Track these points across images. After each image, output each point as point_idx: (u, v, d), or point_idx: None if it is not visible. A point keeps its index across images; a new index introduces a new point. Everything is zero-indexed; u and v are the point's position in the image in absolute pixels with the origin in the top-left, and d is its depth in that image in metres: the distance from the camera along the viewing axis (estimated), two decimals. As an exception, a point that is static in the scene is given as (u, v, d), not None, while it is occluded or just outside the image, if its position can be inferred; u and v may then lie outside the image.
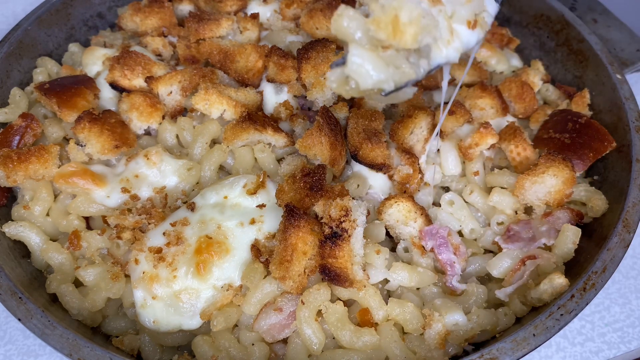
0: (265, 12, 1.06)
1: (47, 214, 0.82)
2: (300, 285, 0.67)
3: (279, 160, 0.86)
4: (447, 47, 0.58)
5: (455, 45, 0.59)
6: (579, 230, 0.76)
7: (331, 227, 0.67)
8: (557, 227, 0.78)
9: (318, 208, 0.71)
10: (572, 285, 0.70)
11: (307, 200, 0.72)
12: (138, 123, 0.88)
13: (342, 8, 0.53)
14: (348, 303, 0.72)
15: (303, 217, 0.68)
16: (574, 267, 0.75)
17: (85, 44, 1.08)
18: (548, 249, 0.77)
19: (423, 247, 0.75)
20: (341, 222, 0.66)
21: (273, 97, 0.93)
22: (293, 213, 0.67)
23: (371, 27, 0.52)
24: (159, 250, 0.72)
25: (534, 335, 0.65)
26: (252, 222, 0.74)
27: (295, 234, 0.67)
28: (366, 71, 0.52)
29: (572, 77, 1.01)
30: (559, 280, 0.70)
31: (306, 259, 0.67)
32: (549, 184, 0.77)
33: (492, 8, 0.63)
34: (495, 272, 0.75)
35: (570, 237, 0.75)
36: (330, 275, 0.67)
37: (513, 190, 0.80)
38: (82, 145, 0.84)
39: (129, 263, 0.74)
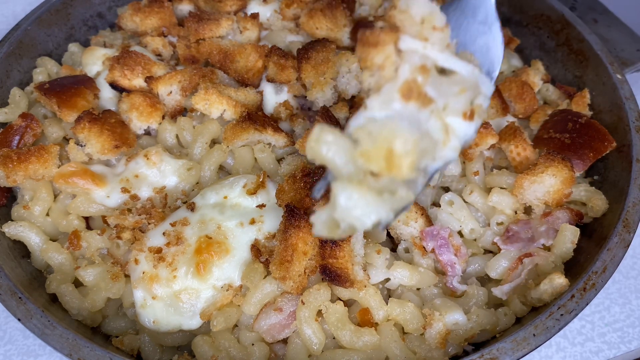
0: (265, 12, 1.06)
1: (47, 214, 0.82)
2: (300, 285, 0.67)
3: (279, 160, 0.86)
4: (444, 149, 0.51)
5: (453, 145, 0.51)
6: (577, 229, 0.76)
7: (331, 227, 0.66)
8: (556, 227, 0.78)
9: (318, 208, 0.71)
10: (572, 285, 0.70)
11: (308, 200, 0.72)
12: (138, 123, 0.88)
13: (318, 131, 0.45)
14: (348, 303, 0.72)
15: (303, 218, 0.68)
16: (574, 267, 0.75)
17: (85, 44, 1.07)
18: (547, 249, 0.77)
19: (424, 247, 0.75)
20: (341, 222, 0.66)
21: (273, 97, 0.93)
22: (293, 213, 0.67)
23: (359, 160, 0.45)
24: (159, 250, 0.72)
25: (534, 335, 0.65)
26: (252, 222, 0.74)
27: (295, 234, 0.67)
28: (359, 214, 0.45)
29: (572, 77, 1.01)
30: (559, 280, 0.70)
31: (306, 259, 0.67)
32: (548, 183, 0.77)
33: (488, 88, 0.55)
34: (494, 274, 0.75)
35: (568, 237, 0.75)
36: (331, 275, 0.67)
37: (512, 190, 0.80)
38: (82, 145, 0.84)
39: (129, 263, 0.74)
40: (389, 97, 0.48)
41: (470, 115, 0.52)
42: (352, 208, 0.45)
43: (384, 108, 0.49)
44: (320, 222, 0.48)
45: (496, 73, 0.63)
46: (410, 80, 0.49)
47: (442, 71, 0.52)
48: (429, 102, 0.49)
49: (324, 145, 0.46)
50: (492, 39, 0.63)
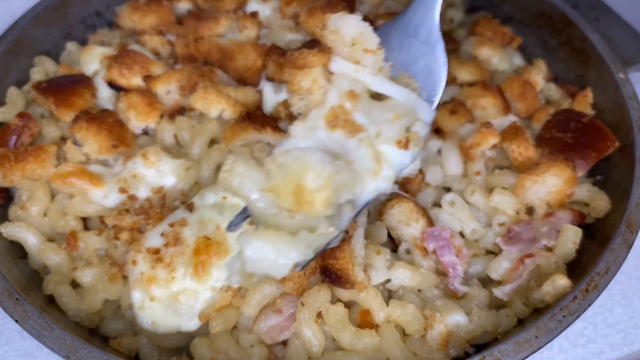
0: (265, 11, 1.05)
1: (45, 214, 0.81)
2: (300, 286, 0.67)
3: (279, 160, 0.85)
4: (376, 179, 0.48)
5: (385, 174, 0.49)
6: (580, 230, 0.75)
7: (331, 228, 0.66)
8: (559, 228, 0.77)
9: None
10: (575, 286, 0.69)
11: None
12: (136, 122, 0.87)
13: (231, 161, 0.43)
14: (348, 304, 0.71)
15: (303, 218, 0.67)
16: (577, 268, 0.75)
17: (83, 43, 1.07)
18: (549, 250, 0.77)
19: (425, 248, 0.75)
20: (342, 223, 0.66)
21: (272, 96, 0.92)
22: (293, 214, 0.67)
23: (268, 195, 0.42)
24: (157, 251, 0.71)
25: (536, 336, 0.64)
26: (251, 222, 0.73)
27: (295, 235, 0.66)
28: (271, 265, 0.42)
29: (574, 76, 1.00)
30: (562, 281, 0.69)
31: (306, 260, 0.67)
32: (550, 183, 0.77)
33: (427, 114, 0.52)
34: (495, 275, 0.75)
35: (570, 237, 0.74)
36: (331, 276, 0.66)
37: (514, 190, 0.79)
38: (79, 145, 0.83)
39: (127, 264, 0.73)
40: (314, 124, 0.46)
41: (405, 144, 0.49)
42: (262, 260, 0.43)
43: (308, 136, 0.46)
44: (234, 271, 0.46)
45: (438, 97, 0.58)
46: (337, 106, 0.47)
47: (376, 96, 0.50)
48: (357, 130, 0.47)
49: (236, 176, 0.44)
50: (434, 60, 0.58)
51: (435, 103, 0.56)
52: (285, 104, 0.90)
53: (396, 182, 0.81)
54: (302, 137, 0.46)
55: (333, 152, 0.46)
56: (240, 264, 0.45)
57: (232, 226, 0.50)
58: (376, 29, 0.56)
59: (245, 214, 0.49)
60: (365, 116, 0.48)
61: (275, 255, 0.43)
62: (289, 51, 0.45)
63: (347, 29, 0.48)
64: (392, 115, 0.49)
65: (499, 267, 0.75)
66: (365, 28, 0.49)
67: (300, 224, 0.44)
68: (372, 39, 0.50)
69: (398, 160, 0.50)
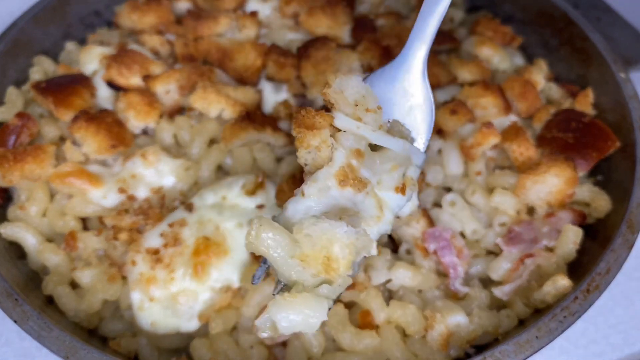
0: (265, 10, 1.05)
1: (44, 215, 0.81)
2: (300, 288, 0.66)
3: (278, 160, 0.85)
4: (378, 223, 0.53)
5: (387, 219, 0.53)
6: (580, 230, 0.75)
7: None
8: (559, 228, 0.77)
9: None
10: (576, 286, 0.69)
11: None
12: (135, 122, 0.87)
13: (257, 227, 0.47)
14: (349, 305, 0.71)
15: (303, 218, 0.67)
16: (578, 268, 0.74)
17: (82, 43, 1.06)
18: (550, 250, 0.76)
19: (426, 249, 0.74)
20: (342, 224, 0.65)
21: (272, 96, 0.92)
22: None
23: (297, 263, 0.47)
24: (156, 252, 0.71)
25: (536, 337, 0.64)
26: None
27: (295, 236, 0.66)
28: (302, 327, 0.47)
29: (575, 76, 1.00)
30: (562, 281, 0.69)
31: (306, 261, 0.66)
32: (551, 183, 0.76)
33: (419, 158, 0.57)
34: (495, 276, 0.75)
35: (571, 238, 0.74)
36: (331, 277, 0.66)
37: (515, 190, 0.79)
38: (78, 145, 0.83)
39: (126, 264, 0.73)
40: (326, 184, 0.51)
41: (402, 189, 0.54)
42: (293, 327, 0.47)
43: (322, 195, 0.51)
44: (265, 327, 0.49)
45: (427, 137, 0.61)
46: (345, 165, 0.51)
47: (374, 147, 0.55)
48: (364, 186, 0.52)
49: (263, 242, 0.47)
50: (427, 112, 0.62)
51: (425, 146, 0.62)
52: (286, 103, 0.90)
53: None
54: (317, 196, 0.52)
55: (344, 207, 0.52)
56: (270, 323, 0.49)
57: (255, 279, 0.54)
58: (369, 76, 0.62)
59: (267, 265, 0.53)
60: (368, 170, 0.53)
61: (304, 320, 0.48)
62: (296, 109, 0.49)
63: (350, 90, 0.53)
64: (391, 165, 0.54)
65: (499, 268, 0.75)
66: (367, 90, 0.54)
67: (321, 280, 0.49)
68: (372, 99, 0.55)
69: (396, 204, 0.55)
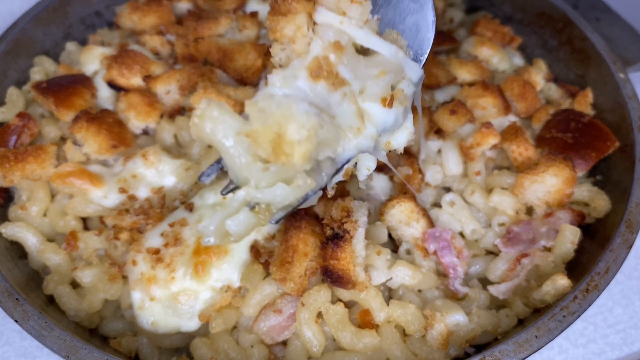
0: (265, 10, 1.05)
1: (44, 215, 0.81)
2: (300, 287, 0.66)
3: (279, 160, 0.85)
4: (357, 136, 0.45)
5: (369, 132, 0.45)
6: (578, 229, 0.75)
7: (332, 228, 0.66)
8: (558, 228, 0.77)
9: (318, 208, 0.70)
10: (575, 286, 0.69)
11: (307, 200, 0.71)
12: (136, 122, 0.87)
13: (204, 105, 0.41)
14: (349, 304, 0.71)
15: (304, 218, 0.67)
16: (577, 268, 0.74)
17: (83, 43, 1.07)
18: (549, 251, 0.76)
19: (425, 249, 0.75)
20: (343, 223, 0.66)
21: (272, 96, 0.92)
22: (294, 214, 0.67)
23: (245, 140, 0.39)
24: (156, 251, 0.71)
25: (536, 337, 0.64)
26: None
27: (296, 235, 0.66)
28: (250, 225, 0.42)
29: (574, 76, 1.00)
30: (562, 281, 0.69)
31: (307, 261, 0.67)
32: (549, 183, 0.76)
33: (414, 73, 0.49)
34: (493, 277, 0.75)
35: (568, 237, 0.74)
36: (333, 277, 0.66)
37: (513, 190, 0.79)
38: (79, 145, 0.83)
39: (127, 264, 0.73)
40: (295, 73, 0.43)
41: (389, 102, 0.46)
42: (243, 232, 0.43)
43: (288, 85, 0.42)
44: (212, 229, 0.45)
45: (425, 57, 0.54)
46: (321, 57, 0.43)
47: (362, 51, 0.46)
48: (341, 84, 0.44)
49: (209, 121, 0.41)
50: (422, 18, 0.54)
51: (423, 62, 0.54)
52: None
53: (395, 183, 0.81)
54: (281, 85, 0.42)
55: (314, 105, 0.42)
56: (215, 226, 0.43)
57: (203, 176, 0.48)
58: None
59: (219, 165, 0.47)
60: (350, 71, 0.44)
61: (253, 223, 0.42)
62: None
63: None
64: (378, 71, 0.45)
65: (497, 269, 0.75)
66: None
67: (275, 176, 0.41)
68: None
69: (382, 119, 0.47)
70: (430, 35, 0.55)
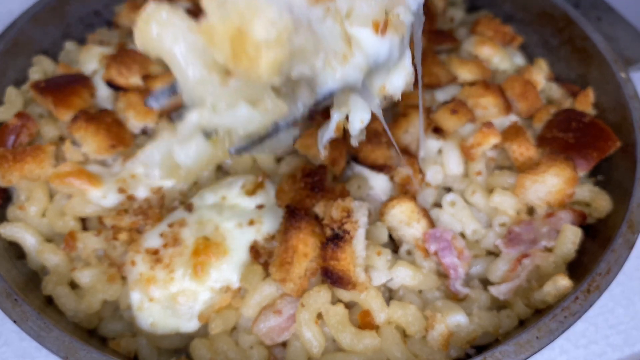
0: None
1: (43, 215, 0.81)
2: (300, 287, 0.66)
3: (278, 160, 0.85)
4: (343, 64, 0.36)
5: (357, 61, 0.37)
6: (579, 230, 0.75)
7: (333, 229, 0.66)
8: (559, 229, 0.77)
9: (318, 209, 0.70)
10: (576, 287, 0.69)
11: (308, 201, 0.71)
12: (135, 122, 0.87)
13: (150, 9, 0.33)
14: (349, 305, 0.71)
15: (304, 219, 0.67)
16: (578, 268, 0.74)
17: (82, 42, 1.06)
18: (550, 251, 0.76)
19: (426, 249, 0.74)
20: (343, 224, 0.66)
21: (272, 96, 0.92)
22: (294, 214, 0.66)
23: (199, 45, 0.32)
24: (155, 252, 0.71)
25: (537, 337, 0.64)
26: (251, 223, 0.73)
27: (296, 236, 0.66)
28: (204, 156, 0.34)
29: (576, 76, 1.00)
30: (563, 282, 0.69)
31: (307, 261, 0.66)
32: (550, 183, 0.76)
33: (413, 1, 0.41)
34: (494, 278, 0.75)
35: (569, 237, 0.74)
36: (333, 277, 0.66)
37: (514, 190, 0.79)
38: (78, 145, 0.83)
39: (126, 264, 0.73)
40: None
41: (383, 28, 0.38)
42: (196, 165, 0.36)
43: None
44: (155, 162, 0.39)
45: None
46: None
47: None
48: None
49: (155, 25, 0.34)
50: None
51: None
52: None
53: (395, 183, 0.81)
54: None
55: (294, 21, 0.33)
56: (161, 155, 0.37)
57: (151, 100, 0.41)
58: None
59: (172, 89, 0.40)
60: None
61: (207, 156, 0.36)
62: None
63: None
64: None
65: (497, 270, 0.75)
66: None
67: (236, 93, 0.34)
68: None
69: (372, 48, 0.38)
70: None
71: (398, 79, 0.43)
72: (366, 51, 0.39)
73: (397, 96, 0.47)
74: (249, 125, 0.36)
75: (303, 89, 0.38)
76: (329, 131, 0.46)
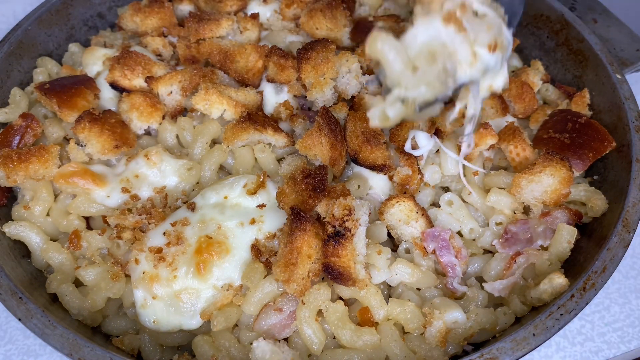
0: (265, 12, 1.06)
1: (48, 214, 0.82)
2: (303, 288, 0.67)
3: (279, 160, 0.86)
4: (471, 68, 0.67)
5: (478, 66, 0.68)
6: (574, 229, 0.75)
7: (334, 226, 0.67)
8: (554, 228, 0.77)
9: (320, 208, 0.71)
10: (572, 285, 0.70)
11: (310, 201, 0.72)
12: (138, 123, 0.88)
13: (376, 32, 0.64)
14: (348, 302, 0.72)
15: (309, 221, 0.68)
16: (574, 266, 0.75)
17: (86, 44, 1.08)
18: (545, 249, 0.77)
19: (424, 248, 0.75)
20: (344, 222, 0.66)
21: (273, 97, 0.93)
22: (299, 216, 0.67)
23: (402, 49, 0.65)
24: (159, 250, 0.72)
25: (533, 335, 0.65)
26: (253, 222, 0.74)
27: (300, 238, 0.67)
28: (401, 113, 0.66)
29: (571, 77, 1.01)
30: (559, 280, 0.70)
31: (310, 263, 0.67)
32: (546, 183, 0.77)
33: (509, 35, 0.71)
34: (489, 278, 0.76)
35: (565, 236, 0.75)
36: (333, 274, 0.67)
37: (510, 189, 0.80)
38: (82, 146, 0.84)
39: (129, 263, 0.74)
40: (432, 18, 0.66)
41: (494, 48, 0.67)
42: (397, 117, 0.68)
43: (428, 25, 0.66)
44: (375, 116, 0.69)
45: (515, 23, 0.74)
46: (452, 10, 0.66)
47: (476, 15, 0.69)
48: (463, 30, 0.66)
49: (380, 42, 0.64)
50: None
51: (514, 27, 0.72)
52: (286, 105, 0.91)
53: (394, 183, 0.82)
54: (423, 25, 0.66)
55: (444, 42, 0.66)
56: (379, 112, 0.70)
57: (369, 84, 0.73)
58: None
59: (381, 76, 0.67)
60: (469, 25, 0.67)
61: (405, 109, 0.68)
62: (361, 27, 0.62)
63: None
64: (486, 26, 0.67)
65: (492, 269, 0.76)
66: None
67: (419, 79, 0.65)
68: None
69: (487, 59, 0.68)
70: (520, 9, 0.75)
71: (500, 80, 0.73)
72: (483, 61, 0.68)
73: (499, 91, 0.74)
74: (425, 97, 0.67)
75: (450, 78, 0.67)
76: (454, 113, 0.77)
